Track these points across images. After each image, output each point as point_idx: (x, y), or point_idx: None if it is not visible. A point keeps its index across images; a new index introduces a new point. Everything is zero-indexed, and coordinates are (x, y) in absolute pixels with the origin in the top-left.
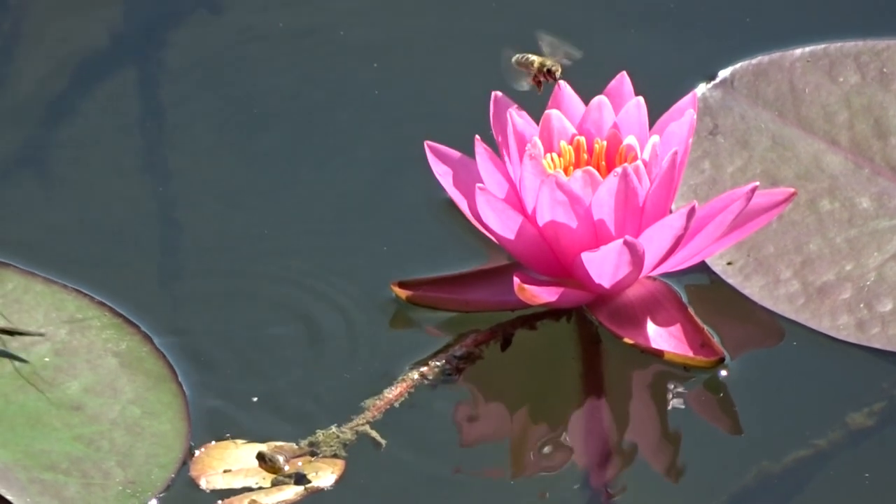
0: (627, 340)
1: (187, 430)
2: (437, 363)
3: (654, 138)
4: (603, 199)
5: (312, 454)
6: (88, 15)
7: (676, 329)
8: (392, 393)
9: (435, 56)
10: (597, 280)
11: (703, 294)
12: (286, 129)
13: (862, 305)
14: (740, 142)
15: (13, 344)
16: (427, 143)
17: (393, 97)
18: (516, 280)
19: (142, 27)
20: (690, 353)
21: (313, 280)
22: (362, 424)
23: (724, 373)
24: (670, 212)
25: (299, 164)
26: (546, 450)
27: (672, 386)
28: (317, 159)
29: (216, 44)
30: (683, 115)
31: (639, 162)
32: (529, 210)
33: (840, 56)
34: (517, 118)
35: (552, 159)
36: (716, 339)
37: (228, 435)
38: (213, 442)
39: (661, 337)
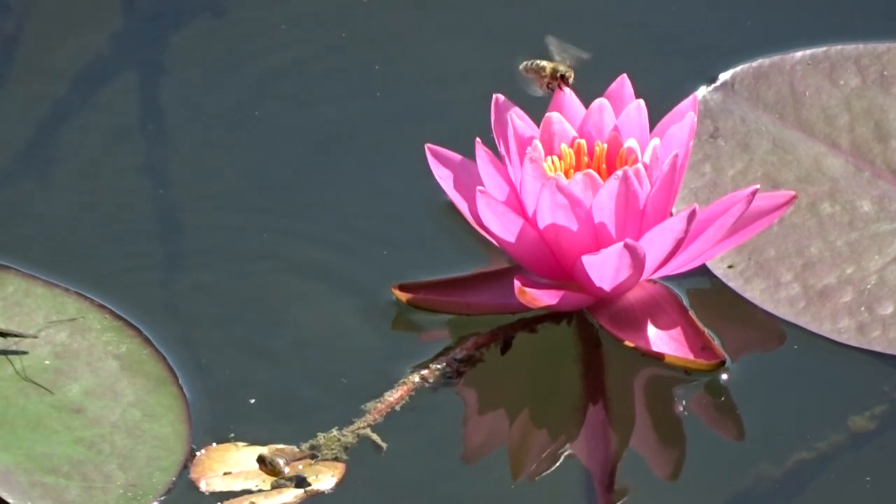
0: (628, 343)
1: (188, 433)
2: (438, 366)
3: (655, 141)
4: (603, 202)
5: (313, 457)
6: (89, 17)
7: (677, 332)
8: (393, 396)
9: (436, 58)
10: (597, 283)
11: (703, 297)
12: (287, 131)
13: (863, 309)
14: (741, 145)
15: (13, 347)
16: (428, 146)
17: (394, 99)
18: (517, 283)
19: (143, 29)
20: (691, 357)
21: (314, 282)
22: (363, 427)
23: (724, 376)
24: (671, 215)
25: (300, 167)
26: (546, 453)
27: (673, 389)
28: (317, 161)
29: (217, 45)
30: (684, 117)
31: (639, 165)
32: (530, 213)
33: (840, 59)
34: (518, 121)
35: (553, 162)
36: (716, 343)
37: (232, 435)
38: (214, 444)
39: (662, 340)
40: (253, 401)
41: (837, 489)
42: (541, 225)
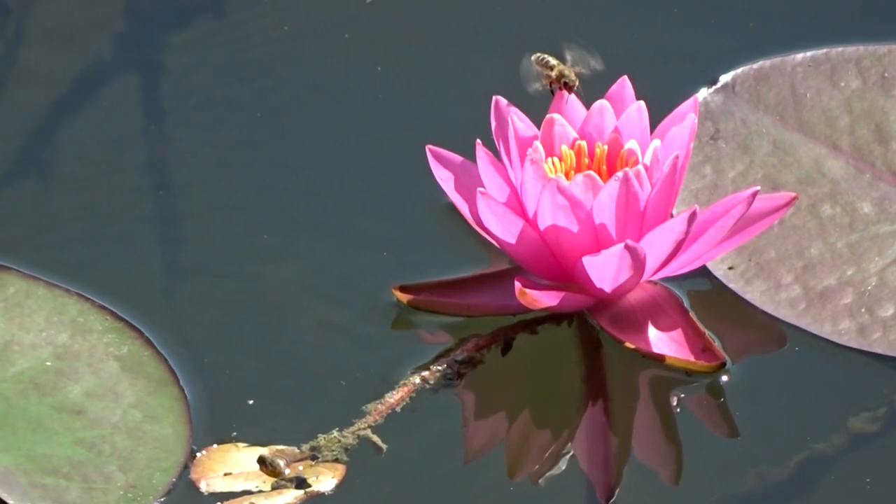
0: (629, 345)
1: (189, 435)
2: (439, 367)
3: (656, 143)
4: (604, 204)
5: (313, 458)
6: (91, 18)
7: (678, 334)
8: (393, 397)
9: (438, 59)
10: (598, 284)
11: (704, 299)
12: (288, 131)
13: (863, 310)
14: (741, 146)
15: (14, 348)
16: (428, 148)
17: (395, 100)
18: (517, 284)
19: (144, 30)
20: (692, 358)
21: (315, 283)
22: (364, 428)
23: (725, 378)
24: (671, 216)
25: (301, 167)
26: (547, 454)
27: (673, 391)
28: (318, 162)
29: (219, 47)
30: (685, 119)
31: (640, 166)
32: (530, 214)
33: (841, 61)
34: (518, 122)
35: (553, 163)
36: (717, 344)
37: (235, 434)
38: (215, 445)
39: (663, 341)
40: (251, 402)
41: (838, 491)
42: (541, 226)
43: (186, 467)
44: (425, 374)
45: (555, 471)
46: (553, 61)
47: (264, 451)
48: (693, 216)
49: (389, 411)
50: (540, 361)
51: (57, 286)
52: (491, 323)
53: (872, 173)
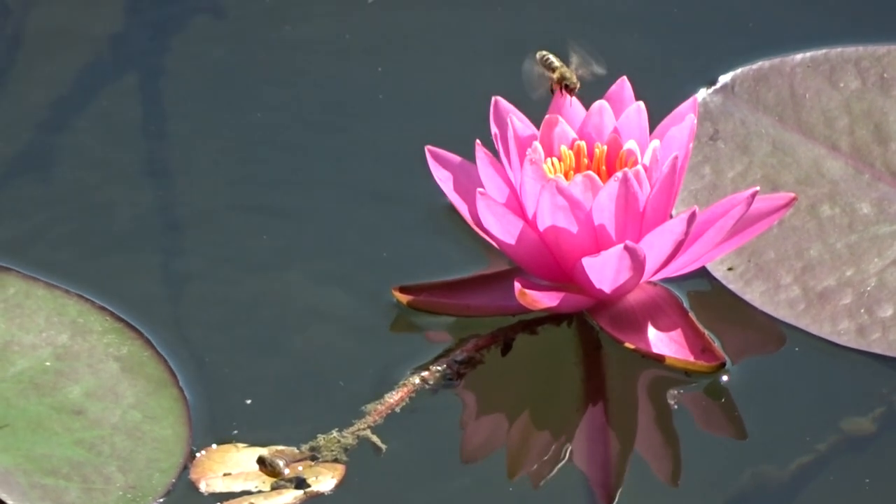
0: (628, 345)
1: (188, 435)
2: (438, 368)
3: (655, 143)
4: (603, 204)
5: (313, 458)
6: (90, 19)
7: (677, 334)
8: (393, 397)
9: (438, 60)
10: (597, 285)
11: (703, 299)
12: (289, 132)
13: (862, 311)
14: (741, 147)
15: (14, 349)
16: (428, 148)
17: (396, 101)
18: (517, 285)
19: (144, 30)
20: (691, 358)
21: (314, 284)
22: (363, 429)
23: (724, 378)
24: (671, 217)
25: (301, 168)
26: (547, 454)
27: (673, 391)
28: (318, 163)
29: (219, 48)
30: (684, 119)
31: (639, 167)
32: (530, 215)
33: (840, 61)
34: (517, 123)
35: (553, 164)
36: (717, 345)
37: (236, 432)
38: (214, 445)
39: (662, 342)
40: (249, 401)
41: (836, 491)
42: (541, 227)
43: (186, 468)
44: (425, 374)
45: (554, 471)
46: (556, 62)
47: (264, 451)
48: (692, 217)
49: (389, 412)
50: (540, 362)
51: (57, 286)
52: (491, 323)
53: (872, 174)
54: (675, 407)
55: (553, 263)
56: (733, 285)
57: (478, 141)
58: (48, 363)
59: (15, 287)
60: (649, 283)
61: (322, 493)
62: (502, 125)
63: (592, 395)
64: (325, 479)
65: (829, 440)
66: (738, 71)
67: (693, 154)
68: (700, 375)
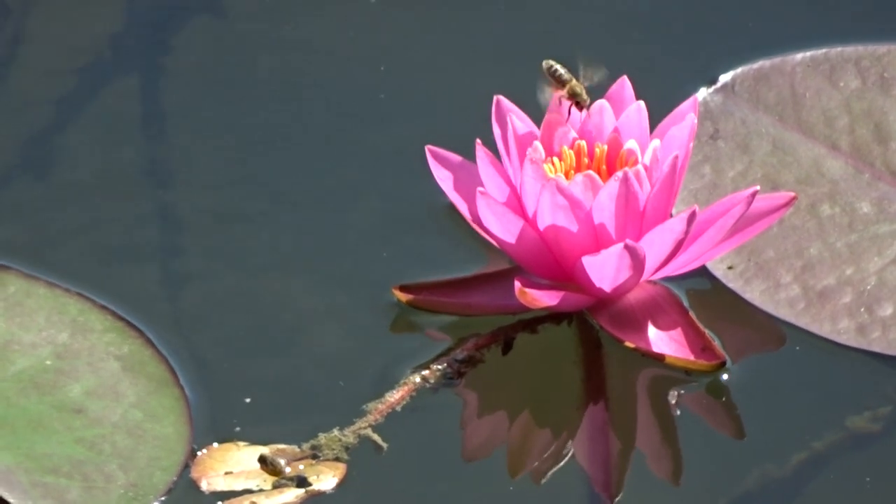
0: (629, 344)
1: (189, 434)
2: (439, 367)
3: (655, 142)
4: (604, 204)
5: (314, 457)
6: (90, 18)
7: (677, 333)
8: (394, 396)
9: (440, 60)
10: (598, 284)
11: (703, 298)
12: (289, 132)
13: (862, 310)
14: (741, 146)
15: (14, 347)
16: (428, 148)
17: (397, 101)
18: (517, 284)
19: (144, 30)
20: (692, 357)
21: (315, 283)
22: (364, 428)
23: (725, 377)
24: (671, 216)
25: (301, 168)
26: (547, 453)
27: (673, 390)
28: (318, 163)
29: (219, 48)
30: (684, 119)
31: (639, 166)
32: (530, 214)
33: (841, 61)
34: (518, 122)
35: (553, 163)
36: (717, 343)
37: (237, 430)
38: (216, 444)
39: (663, 341)
40: (248, 400)
41: (837, 490)
42: (541, 226)
43: (187, 466)
44: (425, 373)
45: (555, 470)
46: (566, 76)
47: (265, 449)
48: (692, 216)
49: (390, 410)
50: (540, 361)
51: (57, 286)
52: (491, 322)
53: (872, 173)
54: (676, 406)
55: (553, 262)
56: (733, 284)
57: (478, 140)
58: (48, 362)
59: (15, 286)
60: (649, 281)
61: (323, 492)
62: (503, 124)
63: (593, 393)
64: (326, 478)
65: (830, 439)
66: (739, 70)
67: (693, 153)
68: (700, 374)
